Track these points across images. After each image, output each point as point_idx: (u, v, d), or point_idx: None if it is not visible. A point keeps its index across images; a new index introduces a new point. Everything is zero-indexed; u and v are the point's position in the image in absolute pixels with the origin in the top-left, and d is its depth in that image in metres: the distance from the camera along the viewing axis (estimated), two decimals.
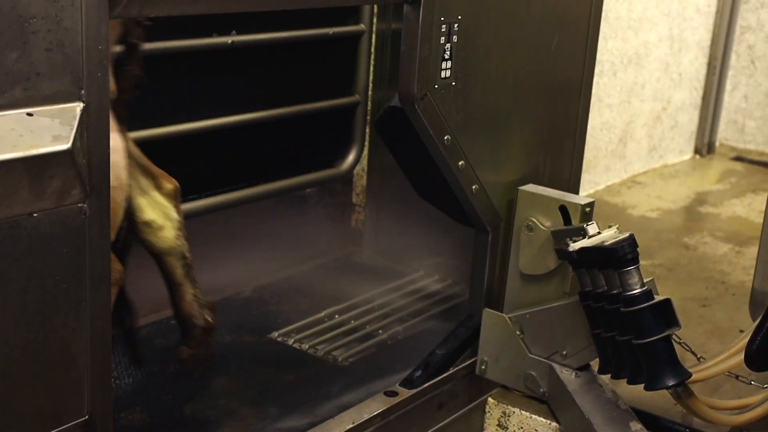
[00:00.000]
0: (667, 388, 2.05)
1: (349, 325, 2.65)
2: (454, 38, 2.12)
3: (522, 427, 2.32)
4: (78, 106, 1.40)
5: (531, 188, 2.31)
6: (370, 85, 2.99)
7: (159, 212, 2.16)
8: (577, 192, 2.67)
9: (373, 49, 2.95)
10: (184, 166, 2.54)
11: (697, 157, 5.19)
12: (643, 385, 2.05)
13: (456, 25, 2.12)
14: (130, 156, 2.00)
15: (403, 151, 2.38)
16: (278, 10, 2.57)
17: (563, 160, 2.61)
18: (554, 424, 2.27)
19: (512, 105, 2.37)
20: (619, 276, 2.04)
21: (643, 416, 2.21)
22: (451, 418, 2.36)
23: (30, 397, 1.45)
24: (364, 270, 3.03)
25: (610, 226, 2.14)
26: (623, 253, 2.03)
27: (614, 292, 2.05)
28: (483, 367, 2.36)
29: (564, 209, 2.22)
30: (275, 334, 2.57)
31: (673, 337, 2.05)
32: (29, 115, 1.35)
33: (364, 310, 2.75)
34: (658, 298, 2.02)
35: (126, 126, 2.02)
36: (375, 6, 2.90)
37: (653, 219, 4.08)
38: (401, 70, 2.08)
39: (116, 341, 2.41)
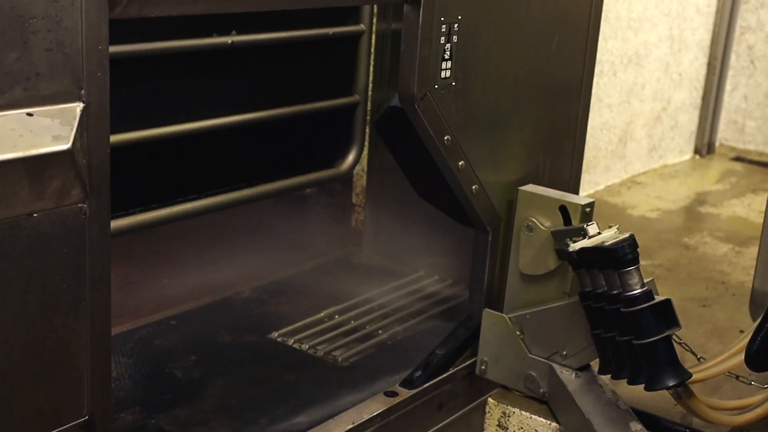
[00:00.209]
0: (668, 388, 2.05)
1: (348, 326, 2.65)
2: (454, 38, 2.12)
3: (522, 428, 2.32)
4: (78, 106, 1.40)
5: (531, 188, 2.31)
6: (370, 85, 2.99)
7: None
8: (577, 192, 2.67)
9: (373, 49, 2.95)
10: (184, 166, 2.54)
11: (697, 157, 5.19)
12: (643, 385, 2.05)
13: (456, 25, 2.12)
14: None
15: (403, 152, 2.38)
16: (278, 10, 2.57)
17: (563, 160, 2.61)
18: (554, 424, 2.27)
19: (512, 105, 2.37)
20: (619, 276, 2.04)
21: (644, 416, 2.21)
22: (451, 418, 2.36)
23: (30, 398, 1.45)
24: (364, 270, 3.03)
25: (610, 227, 2.14)
26: (623, 254, 2.03)
27: (614, 292, 2.05)
28: (483, 367, 2.36)
29: (564, 209, 2.22)
30: (275, 334, 2.57)
31: (674, 337, 2.05)
32: (29, 115, 1.35)
33: (364, 311, 2.75)
34: (658, 298, 2.02)
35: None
36: (375, 6, 2.90)
37: (653, 219, 4.08)
38: (401, 70, 2.08)
39: (116, 341, 2.42)
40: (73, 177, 1.40)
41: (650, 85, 4.66)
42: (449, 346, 2.38)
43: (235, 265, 2.79)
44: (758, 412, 2.15)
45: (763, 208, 2.39)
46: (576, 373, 2.24)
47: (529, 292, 2.30)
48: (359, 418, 2.12)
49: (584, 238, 2.12)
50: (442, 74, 2.12)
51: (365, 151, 3.05)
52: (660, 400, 2.30)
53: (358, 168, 3.05)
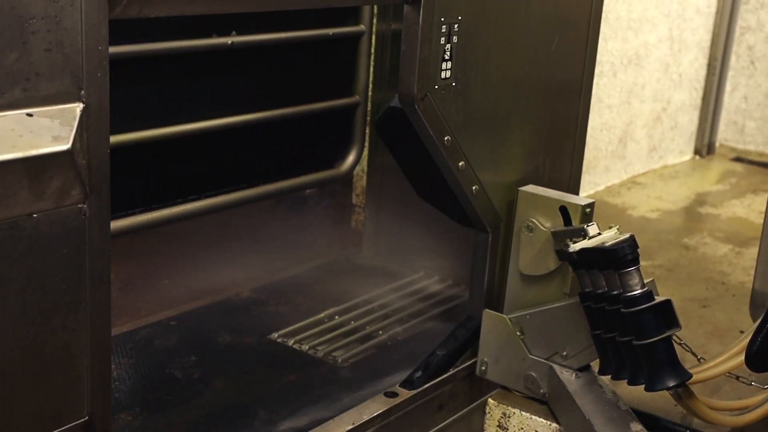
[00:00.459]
0: (668, 388, 2.05)
1: (349, 326, 2.65)
2: (454, 39, 2.12)
3: (522, 428, 2.32)
4: (78, 107, 1.40)
5: (531, 189, 2.31)
6: (370, 85, 2.99)
7: None
8: (577, 193, 2.67)
9: (373, 50, 2.95)
10: (184, 166, 2.54)
11: (697, 157, 5.19)
12: (643, 385, 2.05)
13: (456, 26, 2.12)
14: None
15: (403, 152, 2.38)
16: (278, 10, 2.57)
17: (563, 160, 2.61)
18: (554, 425, 2.27)
19: (512, 105, 2.37)
20: (619, 277, 2.04)
21: (644, 417, 2.21)
22: (451, 419, 2.36)
23: (29, 398, 1.45)
24: (363, 271, 3.03)
25: (610, 227, 2.14)
26: (624, 254, 2.03)
27: (614, 292, 2.05)
28: (483, 367, 2.36)
29: (564, 210, 2.22)
30: (275, 335, 2.57)
31: (674, 337, 2.05)
32: (29, 115, 1.35)
33: (364, 311, 2.74)
34: (658, 298, 2.02)
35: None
36: (375, 6, 2.90)
37: (653, 220, 4.08)
38: (401, 70, 2.08)
39: (116, 342, 2.42)
40: (72, 177, 1.40)
41: (650, 85, 4.66)
42: (449, 347, 2.38)
43: (235, 265, 2.79)
44: (758, 412, 2.15)
45: (763, 208, 2.39)
46: (576, 374, 2.24)
47: (529, 292, 2.30)
48: (359, 418, 2.12)
49: (584, 238, 2.12)
50: (442, 74, 2.12)
51: (365, 152, 3.05)
52: (660, 401, 2.30)
53: (358, 168, 3.05)
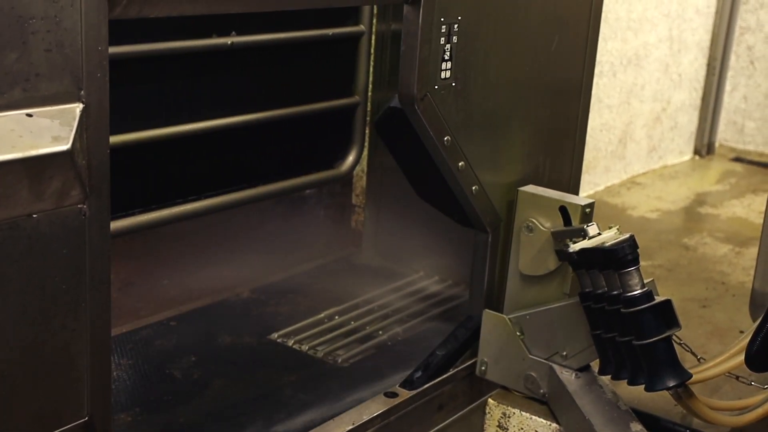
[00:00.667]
0: (668, 388, 2.05)
1: (349, 326, 2.65)
2: (454, 39, 2.12)
3: (522, 428, 2.32)
4: (78, 107, 1.40)
5: (531, 189, 2.31)
6: (370, 85, 2.99)
7: None
8: (576, 193, 2.67)
9: (372, 50, 2.95)
10: (184, 167, 2.54)
11: (697, 157, 5.19)
12: (643, 385, 2.05)
13: (456, 26, 2.12)
14: None
15: (403, 152, 2.38)
16: (278, 10, 2.57)
17: (563, 160, 2.61)
18: (554, 425, 2.27)
19: (512, 106, 2.37)
20: (619, 277, 2.04)
21: (644, 417, 2.21)
22: (451, 419, 2.36)
23: (30, 399, 1.45)
24: (363, 271, 3.03)
25: (610, 227, 2.14)
26: (624, 254, 2.03)
27: (614, 293, 2.05)
28: (483, 368, 2.36)
29: (564, 210, 2.22)
30: (275, 335, 2.57)
31: (674, 337, 2.05)
32: (29, 115, 1.35)
33: (364, 311, 2.75)
34: (658, 298, 2.02)
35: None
36: (375, 7, 2.90)
37: (653, 220, 4.08)
38: (401, 70, 2.08)
39: (116, 342, 2.42)
40: (72, 178, 1.40)
41: (650, 85, 4.66)
42: (449, 347, 2.38)
43: (235, 265, 2.79)
44: (758, 412, 2.15)
45: (763, 208, 2.39)
46: (576, 374, 2.24)
47: (529, 292, 2.30)
48: (359, 418, 2.12)
49: (584, 238, 2.12)
50: (442, 75, 2.12)
51: (365, 152, 3.05)
52: (660, 401, 2.30)
53: (358, 169, 3.05)
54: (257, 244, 2.84)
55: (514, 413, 2.33)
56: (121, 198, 2.25)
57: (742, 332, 2.47)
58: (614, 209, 4.18)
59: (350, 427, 2.09)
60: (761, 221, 2.36)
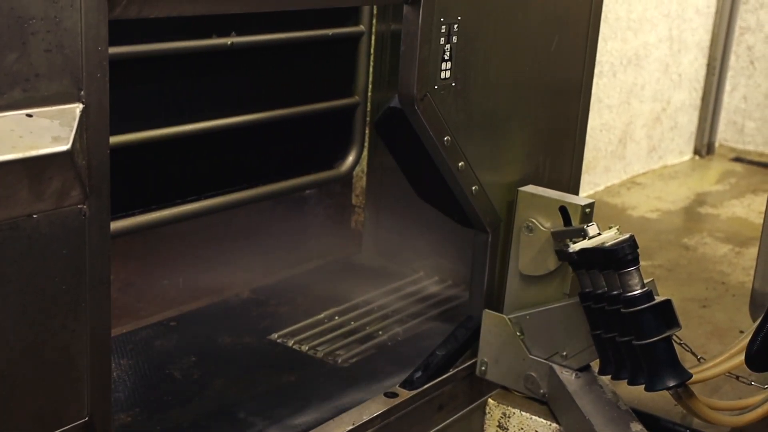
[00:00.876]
0: (668, 388, 2.05)
1: (348, 327, 2.65)
2: (454, 39, 2.12)
3: (522, 428, 2.32)
4: (77, 107, 1.40)
5: (531, 189, 2.31)
6: (370, 86, 2.99)
7: None
8: (576, 193, 2.67)
9: (372, 50, 2.95)
10: (183, 167, 2.54)
11: (697, 157, 5.19)
12: (643, 385, 2.05)
13: (456, 26, 2.12)
14: None
15: (403, 152, 2.38)
16: (278, 11, 2.57)
17: (563, 161, 2.61)
18: (554, 425, 2.27)
19: (512, 106, 2.37)
20: (619, 277, 2.04)
21: (644, 417, 2.21)
22: (451, 419, 2.36)
23: (30, 399, 1.45)
24: (363, 271, 3.03)
25: (610, 227, 2.14)
26: (624, 254, 2.03)
27: (614, 293, 2.05)
28: (483, 368, 2.36)
29: (564, 210, 2.22)
30: (275, 335, 2.57)
31: (674, 337, 2.05)
32: (29, 116, 1.35)
33: (363, 312, 2.75)
34: (658, 298, 2.02)
35: None
36: (374, 7, 2.90)
37: (653, 220, 4.08)
38: (401, 70, 2.08)
39: (116, 343, 2.42)
40: (72, 178, 1.40)
41: (650, 85, 4.66)
42: (449, 347, 2.38)
43: (235, 266, 2.79)
44: (758, 412, 2.15)
45: (763, 208, 2.39)
46: (576, 374, 2.24)
47: (529, 292, 2.30)
48: (359, 419, 2.11)
49: (584, 238, 2.12)
50: (442, 75, 2.12)
51: (365, 152, 3.05)
52: (660, 401, 2.30)
53: (357, 169, 3.05)
54: (257, 244, 2.84)
55: (514, 413, 2.33)
56: (121, 198, 2.25)
57: (742, 332, 2.47)
58: (614, 209, 4.18)
59: (350, 427, 2.09)
60: (761, 221, 2.36)
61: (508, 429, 2.35)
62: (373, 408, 2.16)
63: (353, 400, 2.23)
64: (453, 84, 2.15)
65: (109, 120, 1.45)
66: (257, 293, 2.82)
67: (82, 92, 1.40)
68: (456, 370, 2.36)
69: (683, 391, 2.11)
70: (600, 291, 2.09)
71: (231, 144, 2.64)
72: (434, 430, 2.33)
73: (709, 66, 5.07)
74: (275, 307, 2.76)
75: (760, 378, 2.19)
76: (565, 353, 2.24)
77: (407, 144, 2.21)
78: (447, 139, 2.17)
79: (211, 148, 2.59)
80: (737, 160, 5.14)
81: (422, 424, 2.29)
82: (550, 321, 2.25)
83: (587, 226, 2.13)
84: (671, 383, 2.02)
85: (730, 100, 5.18)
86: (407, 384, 2.27)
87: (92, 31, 1.39)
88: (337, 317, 2.69)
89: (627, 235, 2.08)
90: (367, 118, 3.01)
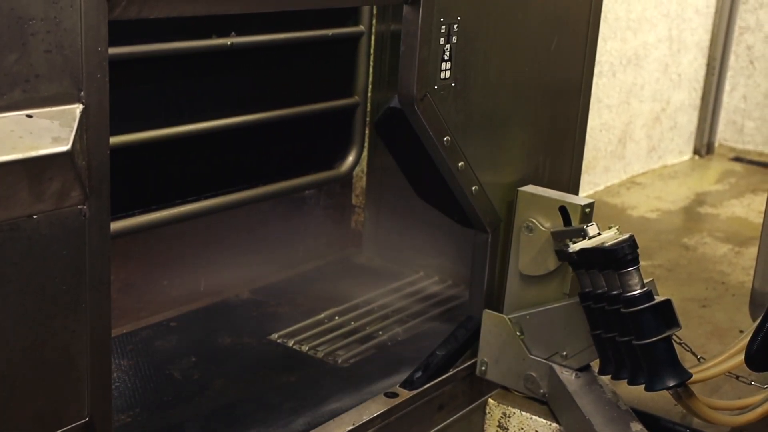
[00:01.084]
0: (668, 388, 2.05)
1: (349, 327, 2.65)
2: (454, 39, 2.12)
3: (522, 428, 2.32)
4: (77, 108, 1.40)
5: (531, 189, 2.31)
6: (370, 86, 2.99)
7: None
8: (576, 193, 2.67)
9: (372, 51, 2.95)
10: (183, 167, 2.54)
11: (697, 157, 5.19)
12: (643, 385, 2.05)
13: (455, 26, 2.12)
14: None
15: (403, 152, 2.38)
16: (277, 11, 2.57)
17: (563, 160, 2.61)
18: (554, 424, 2.27)
19: (512, 106, 2.37)
20: (619, 277, 2.04)
21: (644, 417, 2.21)
22: (451, 419, 2.36)
23: (30, 400, 1.45)
24: (363, 271, 3.03)
25: (610, 227, 2.14)
26: (623, 254, 2.03)
27: (614, 292, 2.05)
28: (483, 368, 2.36)
29: (564, 210, 2.22)
30: (275, 335, 2.57)
31: (674, 337, 2.05)
32: (29, 116, 1.35)
33: (364, 312, 2.75)
34: (658, 298, 2.02)
35: None
36: (374, 7, 2.90)
37: (653, 220, 4.08)
38: (401, 71, 2.08)
39: (116, 343, 2.42)
40: (72, 179, 1.40)
41: (649, 85, 4.66)
42: (449, 347, 2.38)
43: (235, 266, 2.79)
44: (758, 412, 2.15)
45: (763, 208, 2.39)
46: (576, 374, 2.24)
47: (529, 292, 2.30)
48: (359, 419, 2.12)
49: (584, 238, 2.12)
50: (442, 75, 2.12)
51: (365, 152, 3.05)
52: (660, 401, 2.30)
53: (357, 169, 3.05)
54: (257, 244, 2.84)
55: (514, 413, 2.33)
56: (121, 198, 2.25)
57: (741, 332, 2.47)
58: (614, 209, 4.18)
59: (350, 427, 2.09)
60: (761, 221, 2.36)
61: (508, 429, 2.35)
62: (373, 408, 2.16)
63: (353, 400, 2.23)
64: (453, 84, 2.15)
65: (109, 120, 1.45)
66: (257, 293, 2.82)
67: (82, 93, 1.40)
68: (456, 370, 2.36)
69: (683, 391, 2.11)
70: (600, 291, 2.09)
71: (231, 144, 2.64)
72: (434, 430, 2.33)
73: (709, 66, 5.07)
74: (275, 307, 2.76)
75: (759, 378, 2.19)
76: (565, 353, 2.24)
77: (407, 144, 2.22)
78: (447, 139, 2.18)
79: (211, 148, 2.59)
80: (737, 159, 5.14)
81: (422, 424, 2.29)
82: (550, 321, 2.25)
83: (587, 226, 2.13)
84: (671, 383, 2.02)
85: (729, 99, 5.18)
86: (407, 384, 2.27)
87: (92, 31, 1.39)
88: (337, 317, 2.69)
89: (627, 235, 2.08)
90: (367, 119, 3.01)
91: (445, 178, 2.25)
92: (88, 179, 1.42)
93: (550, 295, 2.26)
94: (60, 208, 1.41)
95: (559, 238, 2.19)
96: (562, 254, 2.17)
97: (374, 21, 2.94)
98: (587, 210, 2.22)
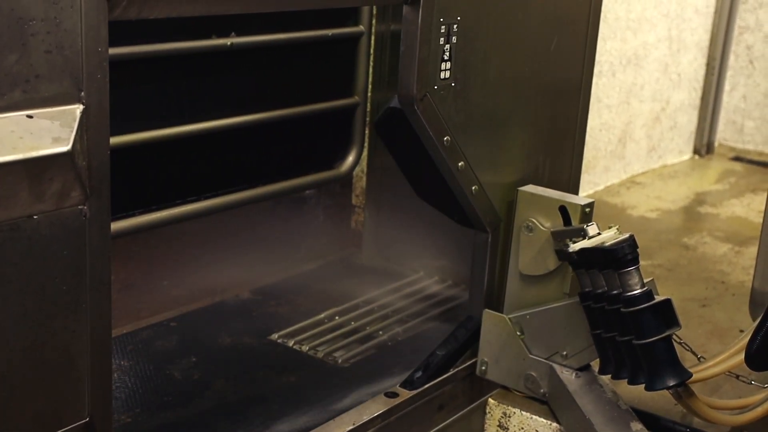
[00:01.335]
0: (668, 388, 2.05)
1: (349, 327, 2.65)
2: (454, 39, 2.12)
3: (522, 428, 2.32)
4: (78, 108, 1.40)
5: (531, 189, 2.31)
6: (370, 86, 2.99)
7: None
8: (576, 193, 2.67)
9: (372, 51, 2.95)
10: (183, 167, 2.54)
11: (696, 157, 5.19)
12: (643, 385, 2.05)
13: (455, 26, 2.12)
14: None
15: (403, 152, 2.38)
16: (277, 11, 2.57)
17: (563, 160, 2.61)
18: (555, 424, 2.27)
19: (512, 106, 2.37)
20: (619, 276, 2.04)
21: (644, 416, 2.21)
22: (451, 419, 2.36)
23: (30, 400, 1.45)
24: (363, 271, 3.03)
25: (610, 227, 2.14)
26: (623, 254, 2.03)
27: (614, 292, 2.05)
28: (483, 367, 2.36)
29: (564, 210, 2.22)
30: (275, 335, 2.57)
31: (674, 337, 2.05)
32: (29, 117, 1.35)
33: (364, 312, 2.75)
34: (658, 298, 2.02)
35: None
36: (374, 7, 2.90)
37: (653, 219, 4.08)
38: (401, 71, 2.08)
39: (116, 343, 2.42)
40: (73, 179, 1.40)
41: (649, 85, 4.66)
42: (449, 347, 2.38)
43: (235, 266, 2.79)
44: (758, 411, 2.15)
45: (763, 207, 2.39)
46: (576, 374, 2.24)
47: (529, 292, 2.30)
48: (360, 419, 2.12)
49: (584, 238, 2.12)
50: (442, 75, 2.12)
51: (365, 153, 3.05)
52: (660, 400, 2.30)
53: (357, 169, 3.06)
54: (257, 244, 2.84)
55: (514, 413, 2.33)
56: (121, 199, 2.25)
57: (741, 331, 2.47)
58: (614, 209, 4.18)
59: (350, 427, 2.09)
60: (761, 220, 2.36)
61: (508, 429, 2.35)
62: (373, 408, 2.16)
63: (353, 400, 2.23)
64: (452, 84, 2.15)
65: (109, 121, 1.45)
66: (257, 293, 2.82)
67: (83, 93, 1.40)
68: (456, 370, 2.36)
69: (683, 391, 2.11)
70: (600, 291, 2.09)
71: (231, 144, 2.64)
72: (434, 430, 2.33)
73: (709, 66, 5.07)
74: (275, 307, 2.76)
75: (760, 377, 2.19)
76: (565, 353, 2.24)
77: (407, 144, 2.22)
78: (447, 139, 2.18)
79: (211, 149, 2.59)
80: (737, 159, 5.14)
81: (422, 424, 2.29)
82: (550, 321, 2.25)
83: (587, 226, 2.13)
84: (671, 382, 2.02)
85: (729, 99, 5.18)
86: (407, 384, 2.27)
87: (92, 32, 1.39)
88: (337, 317, 2.69)
89: (627, 235, 2.08)
90: (367, 119, 3.01)
91: (445, 178, 2.25)
92: (89, 179, 1.43)
93: (550, 295, 2.27)
94: (60, 208, 1.41)
95: (559, 238, 2.19)
96: (562, 254, 2.17)
97: (374, 21, 2.94)
98: (587, 210, 2.22)
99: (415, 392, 2.25)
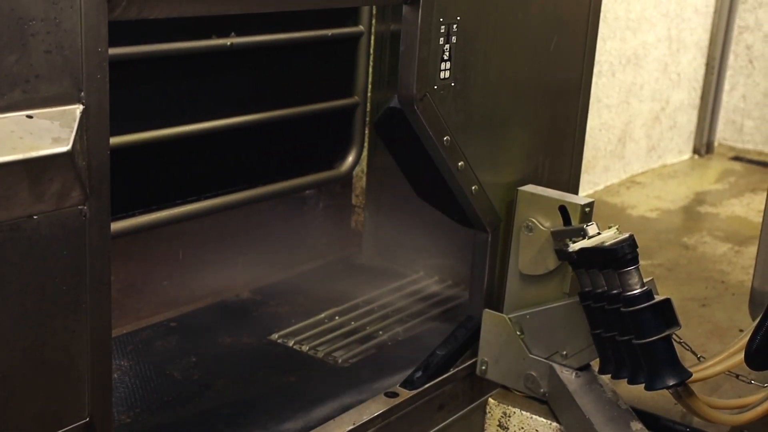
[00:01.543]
0: (668, 387, 2.05)
1: (349, 327, 2.65)
2: (453, 39, 2.12)
3: (522, 428, 2.32)
4: (78, 108, 1.40)
5: (530, 189, 2.31)
6: (370, 86, 2.99)
7: None
8: (576, 192, 2.68)
9: (372, 51, 2.95)
10: (183, 167, 2.54)
11: (696, 157, 5.19)
12: (643, 384, 2.05)
13: (455, 26, 2.12)
14: None
15: (403, 152, 2.38)
16: (277, 11, 2.57)
17: (562, 160, 2.61)
18: (555, 424, 2.27)
19: (511, 106, 2.37)
20: (619, 276, 2.04)
21: (644, 416, 2.22)
22: (451, 418, 2.36)
23: (30, 400, 1.45)
24: (363, 271, 3.03)
25: (609, 227, 2.14)
26: (623, 254, 2.03)
27: (614, 292, 2.05)
28: (483, 367, 2.36)
29: (564, 209, 2.22)
30: (275, 335, 2.57)
31: (674, 336, 2.05)
32: (29, 117, 1.35)
33: (364, 312, 2.75)
34: (658, 298, 2.02)
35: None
36: (374, 7, 2.90)
37: (652, 219, 4.08)
38: (400, 71, 2.08)
39: (116, 343, 2.42)
40: (72, 179, 1.40)
41: (649, 85, 4.66)
42: (449, 347, 2.38)
43: (235, 266, 2.79)
44: (758, 410, 2.15)
45: (762, 207, 2.39)
46: (576, 373, 2.24)
47: (529, 292, 2.30)
48: (360, 418, 2.12)
49: (584, 238, 2.12)
50: (442, 75, 2.12)
51: (365, 152, 3.05)
52: (660, 400, 2.30)
53: (357, 169, 3.06)
54: (257, 244, 2.85)
55: (514, 413, 2.33)
56: (121, 199, 2.25)
57: (741, 331, 2.47)
58: (614, 209, 4.18)
59: (350, 427, 2.09)
60: (760, 220, 2.36)
61: (508, 428, 2.35)
62: (374, 408, 2.16)
63: (353, 400, 2.23)
64: (452, 84, 2.15)
65: (109, 121, 1.45)
66: (257, 293, 2.82)
67: (82, 93, 1.40)
68: (456, 369, 2.37)
69: (683, 390, 2.11)
70: (600, 290, 2.09)
71: (231, 144, 2.64)
72: (434, 429, 2.33)
73: (708, 65, 5.08)
74: (275, 307, 2.76)
75: (759, 376, 2.19)
76: (565, 352, 2.24)
77: (407, 144, 2.22)
78: (447, 139, 2.18)
79: (211, 149, 2.59)
80: (736, 159, 5.14)
81: (422, 424, 2.29)
82: (550, 320, 2.25)
83: (587, 226, 2.13)
84: (671, 382, 2.02)
85: (729, 99, 5.18)
86: (407, 384, 2.27)
87: (92, 32, 1.39)
88: (337, 317, 2.70)
89: (626, 235, 2.09)
90: (367, 118, 3.01)
91: (445, 178, 2.25)
92: (88, 179, 1.43)
93: (550, 295, 2.27)
94: (60, 208, 1.41)
95: (559, 238, 2.19)
96: (562, 254, 2.17)
97: (374, 21, 2.94)
98: (587, 209, 2.22)
99: (415, 392, 2.25)
